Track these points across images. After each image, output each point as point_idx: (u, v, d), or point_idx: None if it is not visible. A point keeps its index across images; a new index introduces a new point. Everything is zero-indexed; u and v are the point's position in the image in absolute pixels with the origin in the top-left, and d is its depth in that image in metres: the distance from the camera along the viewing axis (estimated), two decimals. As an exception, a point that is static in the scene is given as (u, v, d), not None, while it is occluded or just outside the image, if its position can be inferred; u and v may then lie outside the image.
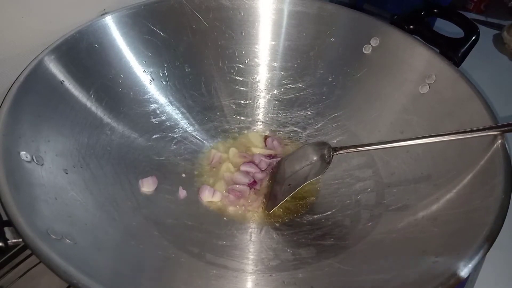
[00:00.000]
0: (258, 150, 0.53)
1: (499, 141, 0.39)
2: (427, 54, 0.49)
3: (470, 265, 0.32)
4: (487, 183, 0.37)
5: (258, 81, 0.59)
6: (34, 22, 0.46)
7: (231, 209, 0.47)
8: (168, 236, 0.42)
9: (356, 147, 0.47)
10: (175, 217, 0.45)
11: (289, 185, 0.47)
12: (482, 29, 0.54)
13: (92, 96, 0.46)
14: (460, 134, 0.41)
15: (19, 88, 0.39)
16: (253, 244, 0.44)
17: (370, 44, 0.53)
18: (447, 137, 0.41)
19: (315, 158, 0.49)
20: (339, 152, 0.47)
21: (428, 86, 0.48)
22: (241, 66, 0.58)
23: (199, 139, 0.54)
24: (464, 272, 0.31)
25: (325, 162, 0.47)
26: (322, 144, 0.50)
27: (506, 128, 0.39)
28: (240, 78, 0.58)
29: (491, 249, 0.32)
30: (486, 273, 0.46)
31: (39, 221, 0.32)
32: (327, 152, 0.48)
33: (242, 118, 0.57)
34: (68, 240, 0.33)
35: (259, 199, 0.48)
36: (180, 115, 0.55)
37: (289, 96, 0.58)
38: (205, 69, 0.56)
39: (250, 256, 0.42)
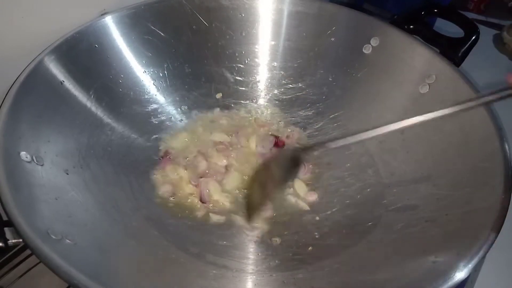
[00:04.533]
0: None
1: (499, 141, 0.39)
2: (427, 54, 0.49)
3: (470, 265, 0.32)
4: (487, 183, 0.37)
5: (258, 81, 0.59)
6: (34, 22, 0.46)
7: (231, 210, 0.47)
8: (168, 236, 0.42)
9: (323, 145, 0.40)
10: (175, 217, 0.45)
11: (267, 192, 0.43)
12: (482, 29, 0.54)
13: (92, 96, 0.46)
14: (446, 110, 0.37)
15: (19, 88, 0.39)
16: (253, 244, 0.44)
17: (370, 44, 0.53)
18: (429, 115, 0.37)
19: (289, 161, 0.46)
20: (315, 152, 0.42)
21: (428, 86, 0.48)
22: (241, 66, 0.58)
23: (199, 139, 0.54)
24: (464, 272, 0.31)
25: (299, 164, 0.43)
26: (296, 148, 0.48)
27: (491, 97, 0.34)
28: (240, 78, 0.58)
29: (491, 249, 0.33)
30: (486, 273, 0.46)
31: (39, 221, 0.32)
32: (299, 154, 0.45)
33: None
34: (68, 240, 0.33)
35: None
36: (180, 115, 0.54)
37: (289, 96, 0.58)
38: (205, 69, 0.56)
39: (250, 256, 0.42)
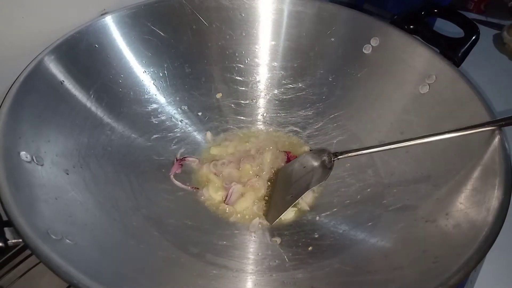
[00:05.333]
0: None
1: (499, 141, 0.39)
2: (427, 54, 0.49)
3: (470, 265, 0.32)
4: (487, 183, 0.37)
5: (258, 81, 0.59)
6: (34, 22, 0.46)
7: (231, 209, 0.47)
8: (168, 236, 0.42)
9: (357, 151, 0.47)
10: (175, 217, 0.45)
11: (291, 195, 0.46)
12: (482, 29, 0.54)
13: (92, 96, 0.46)
14: (459, 132, 0.41)
15: (19, 88, 0.39)
16: (253, 244, 0.44)
17: (370, 44, 0.53)
18: (446, 135, 0.41)
19: (315, 164, 0.49)
20: (340, 157, 0.47)
21: (428, 86, 0.48)
22: (241, 66, 0.58)
23: (199, 139, 0.54)
24: (464, 272, 0.31)
25: (327, 168, 0.47)
26: (321, 151, 0.50)
27: (503, 122, 0.39)
28: (240, 78, 0.58)
29: (491, 249, 0.33)
30: (486, 273, 0.46)
31: (39, 221, 0.32)
32: (327, 158, 0.48)
33: (242, 118, 0.57)
34: (68, 240, 0.33)
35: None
36: (180, 115, 0.55)
37: (289, 96, 0.58)
38: (205, 69, 0.56)
39: (250, 256, 0.42)
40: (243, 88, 0.58)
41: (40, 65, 0.42)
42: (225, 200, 0.47)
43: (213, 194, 0.48)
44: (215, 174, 0.50)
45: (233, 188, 0.48)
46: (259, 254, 0.43)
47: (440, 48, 0.50)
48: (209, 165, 0.51)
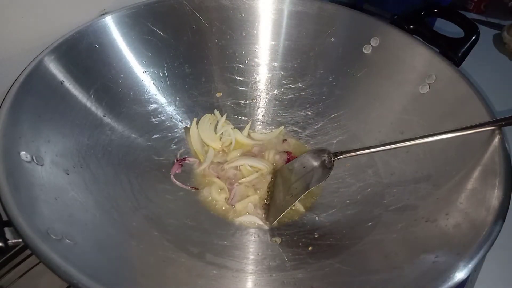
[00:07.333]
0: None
1: (499, 141, 0.39)
2: (427, 54, 0.49)
3: (470, 265, 0.32)
4: (487, 183, 0.37)
5: (258, 81, 0.59)
6: (34, 22, 0.46)
7: (232, 209, 0.47)
8: (168, 236, 0.42)
9: (357, 151, 0.47)
10: (175, 217, 0.45)
11: (291, 195, 0.46)
12: (482, 29, 0.54)
13: (92, 96, 0.46)
14: (459, 131, 0.41)
15: (19, 88, 0.39)
16: (253, 244, 0.44)
17: (370, 44, 0.53)
18: (446, 135, 0.41)
19: (315, 164, 0.49)
20: (340, 156, 0.47)
21: (428, 86, 0.48)
22: (241, 66, 0.58)
23: (199, 139, 0.54)
24: (464, 272, 0.31)
25: (327, 168, 0.47)
26: (321, 151, 0.50)
27: (503, 122, 0.39)
28: (240, 78, 0.58)
29: (491, 249, 0.33)
30: (486, 273, 0.46)
31: (39, 221, 0.32)
32: (327, 158, 0.48)
33: (242, 118, 0.57)
34: (68, 240, 0.33)
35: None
36: (180, 115, 0.55)
37: (289, 96, 0.58)
38: (205, 69, 0.56)
39: (250, 256, 0.42)
40: (243, 88, 0.58)
41: (40, 65, 0.42)
42: (227, 201, 0.47)
43: (216, 196, 0.48)
44: (217, 177, 0.50)
45: (236, 189, 0.48)
46: (259, 254, 0.43)
47: (440, 48, 0.50)
48: (208, 167, 0.51)
